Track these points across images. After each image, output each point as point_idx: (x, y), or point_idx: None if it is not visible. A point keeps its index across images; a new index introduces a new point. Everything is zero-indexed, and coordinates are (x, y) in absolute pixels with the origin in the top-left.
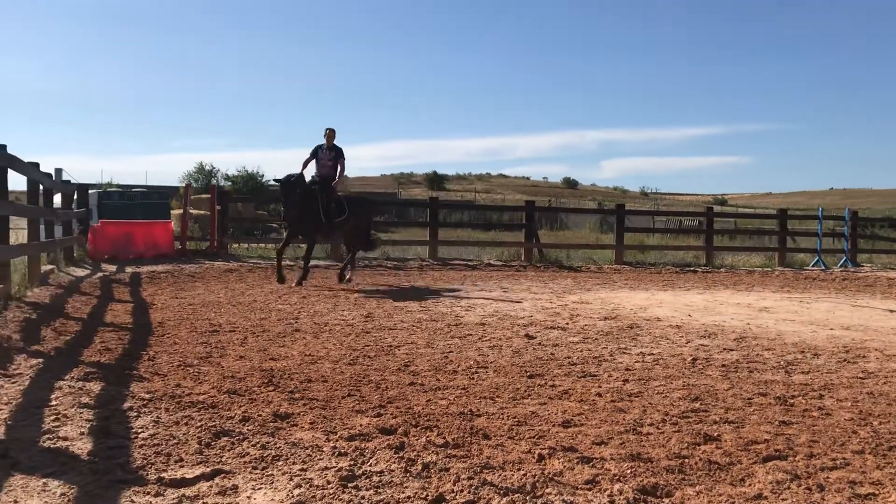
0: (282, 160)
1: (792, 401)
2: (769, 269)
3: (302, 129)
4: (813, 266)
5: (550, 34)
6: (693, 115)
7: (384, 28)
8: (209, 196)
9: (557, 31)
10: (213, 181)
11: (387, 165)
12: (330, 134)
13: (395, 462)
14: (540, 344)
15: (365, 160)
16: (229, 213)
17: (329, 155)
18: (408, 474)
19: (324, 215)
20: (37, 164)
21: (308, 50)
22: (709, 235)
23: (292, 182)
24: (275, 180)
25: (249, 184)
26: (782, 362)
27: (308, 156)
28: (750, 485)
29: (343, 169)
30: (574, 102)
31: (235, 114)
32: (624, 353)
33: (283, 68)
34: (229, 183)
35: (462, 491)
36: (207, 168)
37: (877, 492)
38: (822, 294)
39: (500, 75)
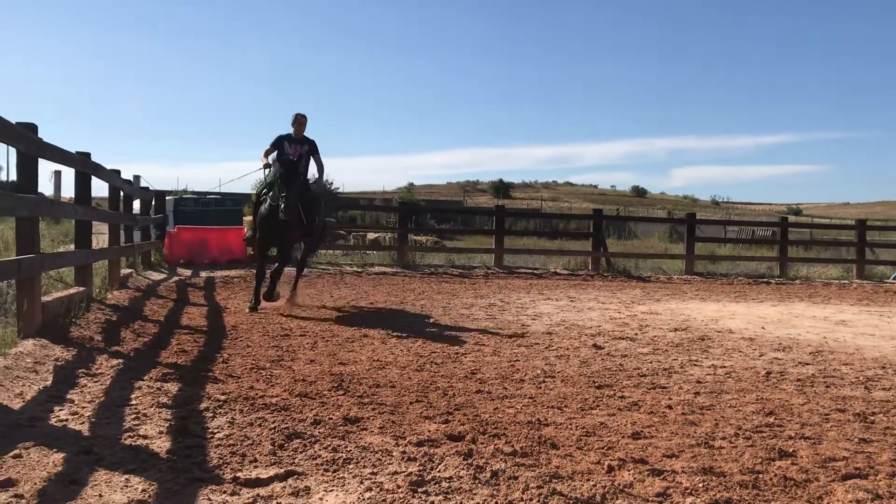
0: (352, 168)
1: (872, 418)
2: (846, 282)
3: (369, 138)
4: (893, 279)
5: (619, 41)
6: (766, 122)
7: (450, 39)
8: None
9: (626, 39)
10: None
11: (453, 173)
12: (301, 121)
13: (463, 469)
14: (608, 354)
15: (431, 168)
16: None
17: (300, 149)
18: (476, 481)
19: (305, 216)
20: (118, 171)
21: (377, 61)
22: (783, 246)
23: (295, 163)
24: (274, 159)
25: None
26: (861, 378)
27: (269, 147)
28: (828, 503)
29: (322, 166)
30: (643, 110)
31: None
32: (695, 365)
33: (352, 79)
34: None
35: (531, 500)
36: None
37: None
38: None
39: (568, 83)
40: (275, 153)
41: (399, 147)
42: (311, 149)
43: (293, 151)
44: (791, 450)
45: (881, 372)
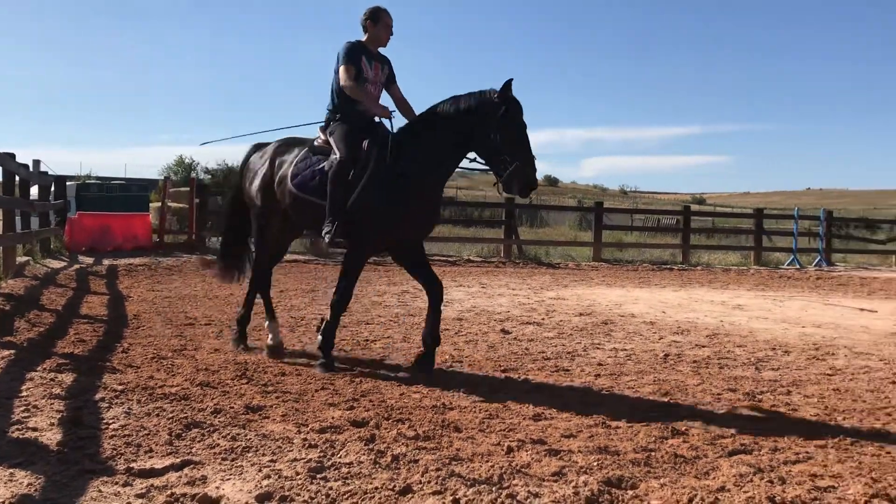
0: None
1: (760, 397)
2: (745, 268)
3: (276, 116)
4: (788, 265)
5: (535, 32)
6: (674, 114)
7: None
8: (189, 189)
9: (541, 29)
10: (194, 174)
11: None
12: (388, 23)
13: (364, 454)
14: (515, 339)
15: None
16: (209, 207)
17: (380, 72)
18: (377, 466)
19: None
20: (12, 155)
21: (289, 45)
22: (686, 234)
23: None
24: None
25: (231, 178)
26: (753, 359)
27: (347, 61)
28: (714, 478)
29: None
30: (557, 101)
31: (219, 108)
32: (597, 348)
33: (264, 64)
34: (209, 176)
35: (430, 482)
36: (187, 161)
37: (836, 485)
38: (795, 292)
39: (484, 71)
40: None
41: None
42: (391, 74)
43: (374, 76)
44: (683, 429)
45: (771, 353)
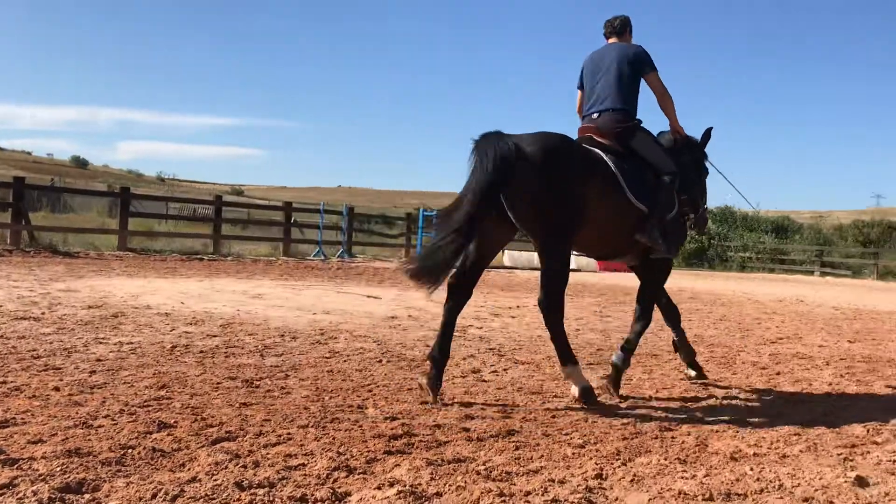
0: None
1: (258, 383)
2: (274, 259)
3: None
4: (314, 256)
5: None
6: (212, 104)
7: None
8: None
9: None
10: None
11: None
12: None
13: None
14: (2, 337)
15: None
16: None
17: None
18: None
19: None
20: None
21: None
22: (218, 224)
23: None
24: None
25: None
26: (260, 346)
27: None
28: (189, 469)
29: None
30: (90, 75)
31: None
32: (100, 343)
33: None
34: None
35: None
36: None
37: (306, 462)
38: (315, 282)
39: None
40: None
41: None
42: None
43: None
44: (172, 421)
45: (279, 340)
